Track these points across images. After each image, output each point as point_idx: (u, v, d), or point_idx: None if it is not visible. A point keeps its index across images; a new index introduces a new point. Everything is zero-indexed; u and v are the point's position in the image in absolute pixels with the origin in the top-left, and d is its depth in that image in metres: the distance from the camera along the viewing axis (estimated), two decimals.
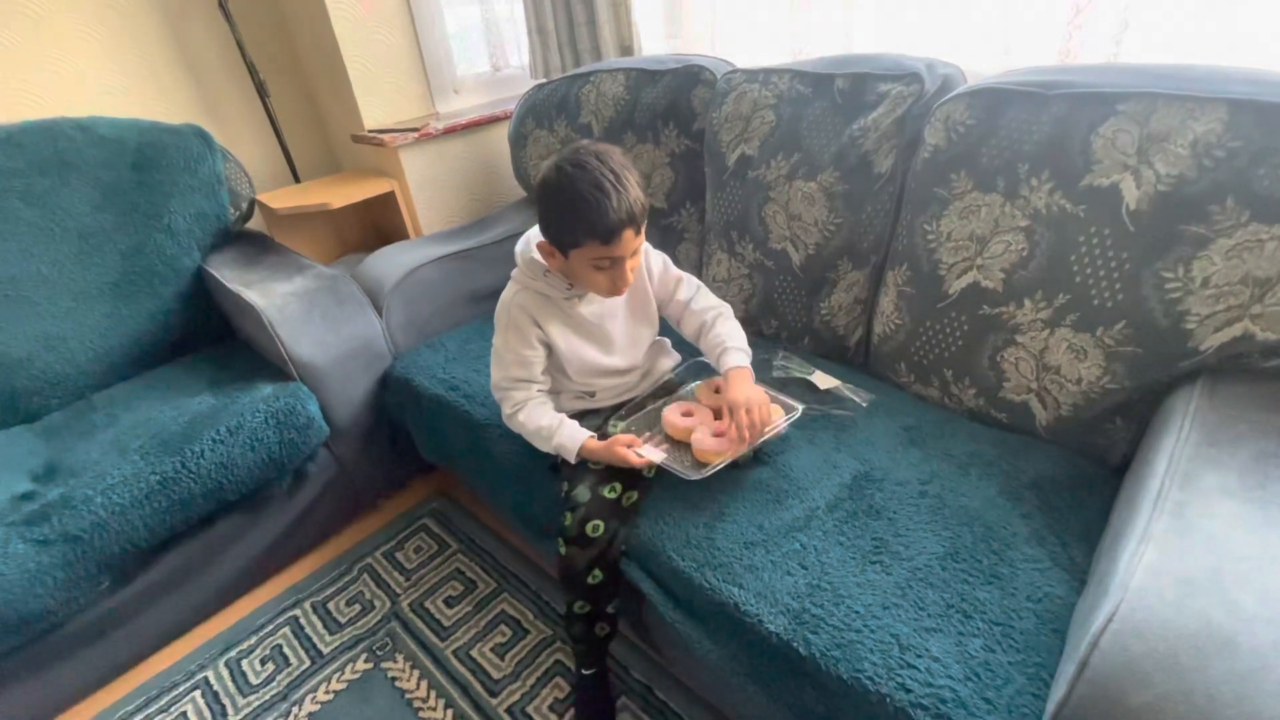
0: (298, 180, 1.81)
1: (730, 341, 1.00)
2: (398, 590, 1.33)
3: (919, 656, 0.68)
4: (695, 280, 1.06)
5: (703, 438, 0.92)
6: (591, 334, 1.00)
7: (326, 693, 1.15)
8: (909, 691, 0.66)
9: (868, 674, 0.68)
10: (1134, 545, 0.62)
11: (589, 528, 0.90)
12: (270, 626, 1.29)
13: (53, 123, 1.40)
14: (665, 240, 1.47)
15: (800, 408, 0.97)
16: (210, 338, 1.58)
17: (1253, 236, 0.75)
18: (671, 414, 0.98)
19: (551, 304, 0.97)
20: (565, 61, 1.85)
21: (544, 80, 1.63)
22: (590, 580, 0.93)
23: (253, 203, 1.63)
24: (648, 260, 1.02)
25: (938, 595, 0.74)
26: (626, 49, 1.80)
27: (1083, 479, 0.91)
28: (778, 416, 0.95)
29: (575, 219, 0.84)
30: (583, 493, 0.91)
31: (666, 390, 1.09)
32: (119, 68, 1.60)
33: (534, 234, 0.96)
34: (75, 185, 1.40)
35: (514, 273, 0.99)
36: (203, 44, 1.68)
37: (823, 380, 1.11)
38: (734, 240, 1.31)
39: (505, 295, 0.99)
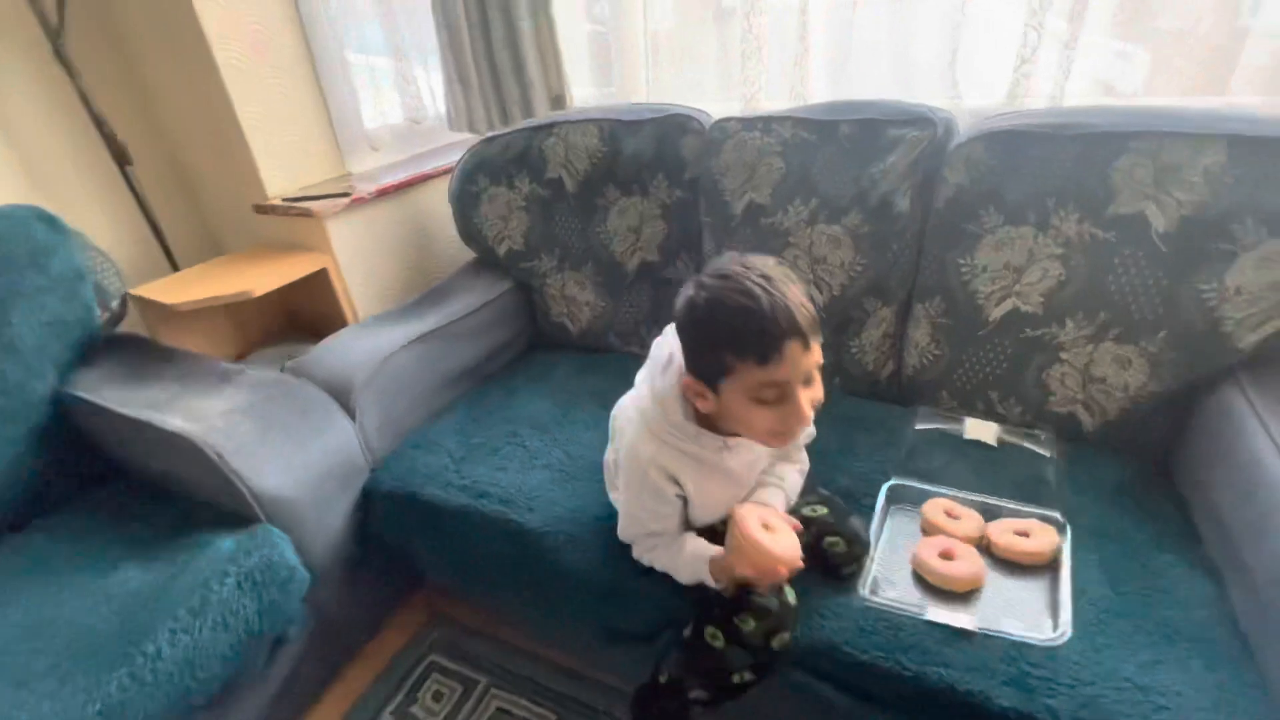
0: (176, 267, 1.45)
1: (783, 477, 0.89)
2: None
3: (1162, 695, 0.67)
4: None
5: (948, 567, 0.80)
6: (732, 482, 0.85)
7: None
8: None
9: None
10: None
11: (776, 641, 0.78)
12: None
13: None
14: (660, 294, 1.39)
15: (1060, 637, 0.74)
16: (80, 485, 1.18)
17: (1275, 250, 0.88)
18: (928, 554, 0.82)
19: (694, 459, 0.79)
20: (491, 113, 1.71)
21: (492, 134, 1.49)
22: (736, 679, 0.81)
23: (125, 300, 1.27)
24: None
25: (1130, 624, 0.75)
26: (558, 99, 1.72)
27: (1142, 478, 0.99)
28: (1046, 539, 0.83)
29: (721, 337, 0.68)
30: (770, 599, 0.79)
31: None
32: None
33: (669, 358, 0.78)
34: None
35: (649, 419, 0.79)
36: (25, 105, 1.28)
37: (975, 430, 1.05)
38: None
39: (639, 446, 0.79)
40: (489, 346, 1.44)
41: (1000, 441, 1.08)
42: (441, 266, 1.71)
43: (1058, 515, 0.88)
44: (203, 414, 1.04)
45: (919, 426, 1.12)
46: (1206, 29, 1.17)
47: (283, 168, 1.45)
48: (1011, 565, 0.83)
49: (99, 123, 1.29)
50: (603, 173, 1.36)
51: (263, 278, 1.31)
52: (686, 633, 0.87)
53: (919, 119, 1.12)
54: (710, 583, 0.80)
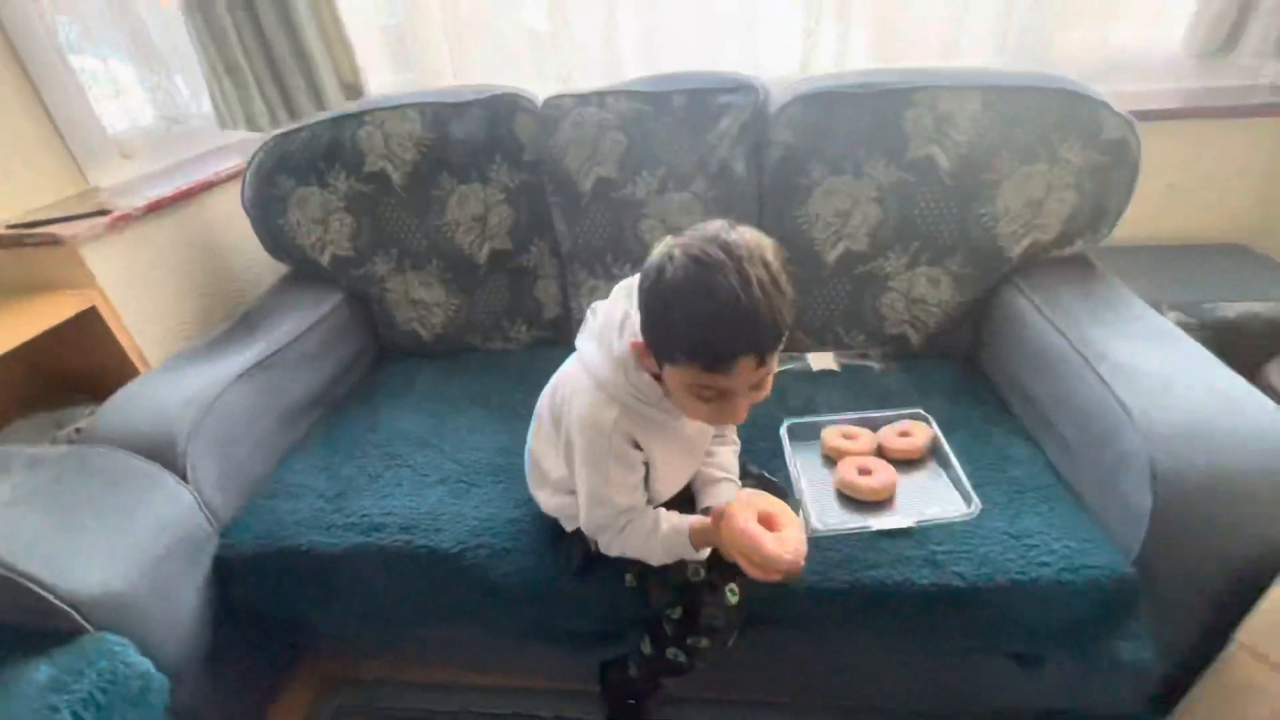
0: None
1: (726, 468, 0.88)
2: None
3: (1029, 538, 0.83)
4: None
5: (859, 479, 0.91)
6: (689, 450, 0.83)
7: None
8: (1047, 565, 0.79)
9: (1017, 572, 0.79)
10: (1103, 389, 0.86)
11: (730, 641, 0.81)
12: None
13: None
14: (518, 283, 1.34)
15: (976, 509, 0.85)
16: None
17: (1025, 173, 1.10)
18: (850, 475, 0.91)
19: (655, 423, 0.75)
20: (273, 106, 1.49)
21: (285, 128, 1.29)
22: (700, 666, 0.84)
23: None
24: None
25: (993, 489, 0.90)
26: (351, 86, 1.56)
27: (963, 375, 1.19)
28: (923, 433, 0.97)
29: (674, 329, 0.62)
30: (717, 616, 0.79)
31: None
32: None
33: (623, 320, 0.72)
34: None
35: (606, 384, 0.72)
36: None
37: (818, 361, 1.19)
38: (609, 263, 1.28)
39: (595, 414, 0.73)
40: (331, 369, 1.27)
41: (842, 365, 1.23)
42: (244, 288, 1.46)
43: (921, 411, 1.02)
44: None
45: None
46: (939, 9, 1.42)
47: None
48: (904, 462, 0.95)
49: None
50: (433, 161, 1.26)
51: (6, 329, 1.00)
52: (646, 650, 0.88)
53: (742, 85, 1.20)
54: (692, 556, 0.78)
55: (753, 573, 0.68)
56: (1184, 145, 1.34)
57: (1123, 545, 0.80)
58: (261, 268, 1.40)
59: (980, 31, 1.41)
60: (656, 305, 0.64)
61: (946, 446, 0.95)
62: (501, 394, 1.21)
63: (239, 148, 1.55)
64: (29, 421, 1.13)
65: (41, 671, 0.74)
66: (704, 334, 0.61)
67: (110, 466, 0.89)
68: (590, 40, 1.50)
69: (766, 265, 0.61)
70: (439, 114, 1.25)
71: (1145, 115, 1.13)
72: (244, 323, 1.23)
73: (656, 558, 0.78)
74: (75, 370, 1.21)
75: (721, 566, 0.78)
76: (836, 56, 1.45)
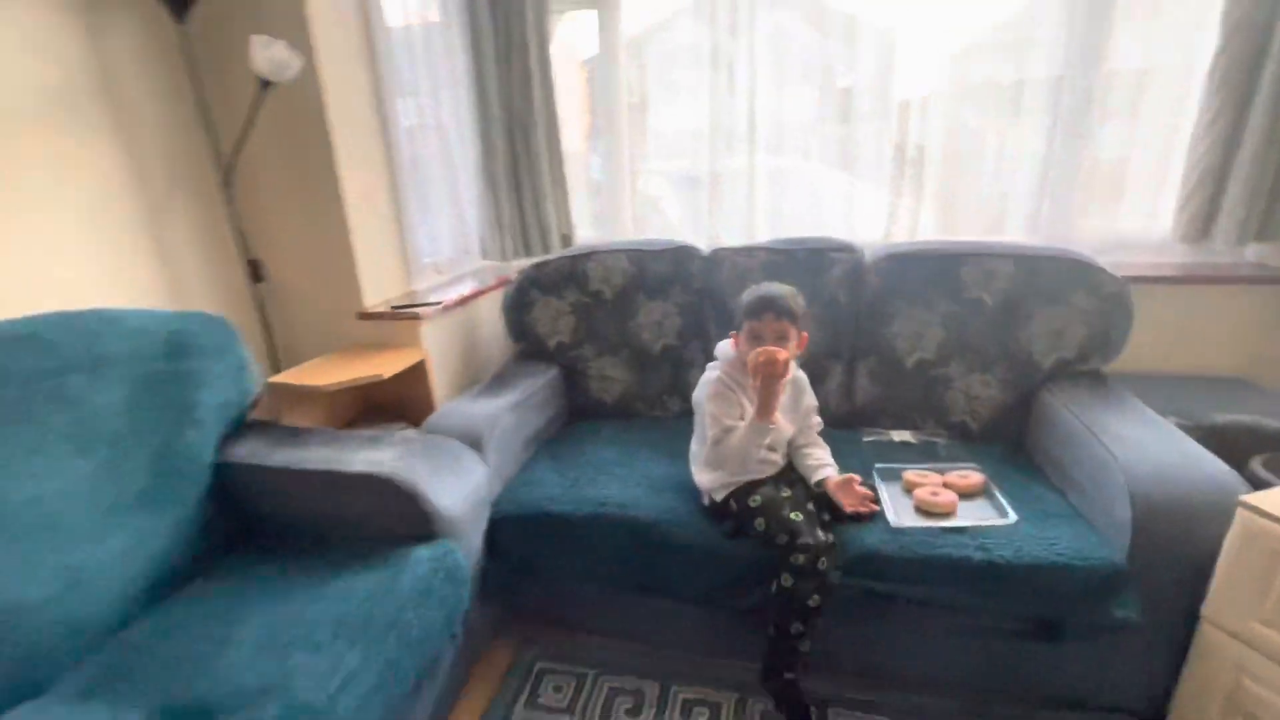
0: (277, 367, 1.72)
1: (826, 460, 1.44)
2: None
3: (1053, 538, 1.22)
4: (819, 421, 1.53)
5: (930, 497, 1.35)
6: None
7: None
8: (1064, 555, 1.18)
9: (1043, 557, 1.18)
10: (1102, 448, 1.28)
11: (822, 564, 1.21)
12: None
13: (75, 316, 1.22)
14: (679, 368, 1.90)
15: (1013, 519, 1.27)
16: (226, 546, 1.38)
17: (1048, 312, 1.59)
18: (925, 495, 1.34)
19: (743, 386, 1.39)
20: (515, 245, 2.21)
21: (540, 260, 1.98)
22: (811, 604, 1.24)
23: (264, 387, 1.54)
24: (806, 390, 1.48)
25: (1029, 514, 1.30)
26: (566, 237, 2.27)
27: (1010, 452, 1.61)
28: (978, 477, 1.40)
29: (742, 304, 1.41)
30: (807, 539, 1.22)
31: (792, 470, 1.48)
32: (92, 259, 1.43)
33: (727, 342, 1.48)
34: (107, 382, 1.22)
35: (714, 365, 1.47)
36: (182, 235, 1.59)
37: (898, 435, 1.67)
38: None
39: (709, 375, 1.45)
40: (548, 416, 1.83)
41: (918, 440, 1.67)
42: (482, 360, 2.10)
43: (976, 465, 1.45)
44: (379, 461, 1.34)
45: (866, 439, 1.69)
46: (988, 198, 2.01)
47: (375, 285, 1.83)
48: (963, 496, 1.37)
49: (245, 246, 1.62)
50: (634, 285, 1.89)
51: (382, 366, 1.64)
52: (773, 588, 1.28)
53: (846, 247, 1.79)
54: (766, 426, 1.33)
55: (764, 371, 1.28)
56: (1182, 303, 1.79)
57: (1118, 546, 1.18)
58: (494, 349, 2.04)
59: (1019, 215, 1.97)
60: (740, 304, 1.41)
61: (993, 485, 1.37)
62: (666, 442, 1.72)
63: (489, 271, 2.29)
64: (373, 429, 1.74)
65: (423, 553, 1.25)
66: (750, 302, 1.38)
67: (450, 446, 1.45)
68: (734, 213, 2.17)
69: (786, 288, 1.39)
70: (641, 257, 1.91)
71: (1149, 279, 1.63)
72: (497, 380, 1.84)
73: (754, 447, 1.35)
74: (389, 401, 1.83)
75: (809, 518, 1.27)
76: (910, 228, 2.04)
